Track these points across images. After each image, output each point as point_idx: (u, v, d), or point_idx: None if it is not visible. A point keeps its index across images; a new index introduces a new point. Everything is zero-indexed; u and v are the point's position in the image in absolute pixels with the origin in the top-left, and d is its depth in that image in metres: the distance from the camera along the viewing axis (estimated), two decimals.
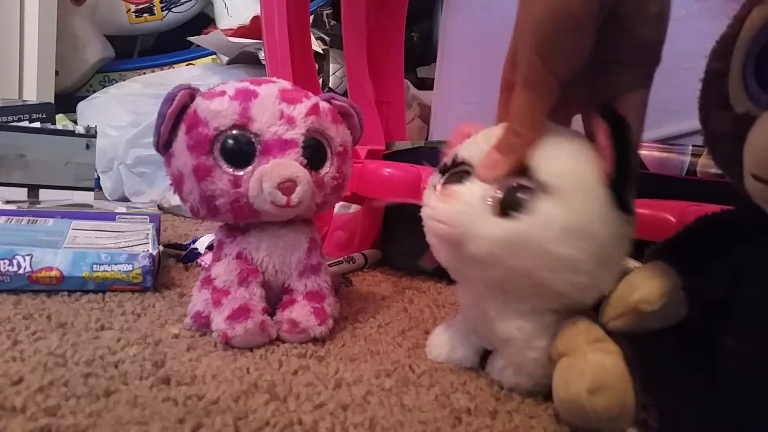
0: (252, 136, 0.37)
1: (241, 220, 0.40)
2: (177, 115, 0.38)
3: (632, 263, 0.45)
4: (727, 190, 0.27)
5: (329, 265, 0.57)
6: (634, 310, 0.29)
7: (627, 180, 0.29)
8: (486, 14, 0.77)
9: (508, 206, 0.29)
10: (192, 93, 0.39)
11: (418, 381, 0.34)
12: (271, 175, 0.36)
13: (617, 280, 0.31)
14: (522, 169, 0.30)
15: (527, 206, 0.29)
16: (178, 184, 0.39)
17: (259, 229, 0.41)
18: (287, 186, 0.37)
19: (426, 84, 1.11)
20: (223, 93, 0.38)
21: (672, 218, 0.40)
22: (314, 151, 0.39)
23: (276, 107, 0.38)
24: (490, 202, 0.30)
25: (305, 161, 0.38)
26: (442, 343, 0.38)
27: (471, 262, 0.31)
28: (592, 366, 0.28)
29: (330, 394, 0.31)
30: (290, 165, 0.37)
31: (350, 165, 0.43)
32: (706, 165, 0.47)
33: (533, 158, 0.30)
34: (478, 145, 0.32)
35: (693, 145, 0.49)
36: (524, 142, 0.30)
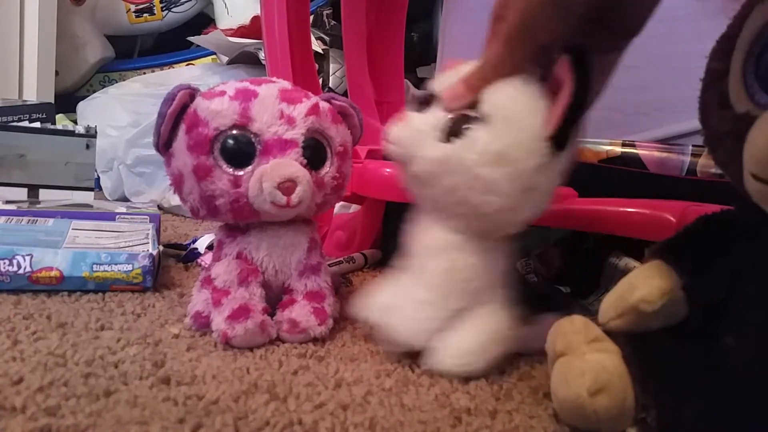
0: (252, 135, 0.37)
1: (241, 220, 0.40)
2: (177, 115, 0.38)
3: (632, 263, 0.45)
4: (727, 190, 0.27)
5: (329, 265, 0.57)
6: (634, 309, 0.29)
7: (574, 116, 0.31)
8: (486, 14, 0.76)
9: (451, 133, 0.33)
10: (192, 93, 0.39)
11: (418, 381, 0.34)
12: (271, 175, 0.36)
13: (541, 210, 0.34)
14: (474, 102, 0.33)
15: (466, 133, 0.32)
16: (178, 184, 0.39)
17: (259, 229, 0.41)
18: (287, 186, 0.37)
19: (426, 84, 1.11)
20: (223, 93, 0.38)
21: (672, 218, 0.40)
22: (314, 151, 0.39)
23: (276, 107, 0.38)
24: (439, 129, 0.33)
25: (305, 161, 0.38)
26: (384, 300, 0.37)
27: (414, 181, 0.35)
28: (592, 366, 0.28)
29: (330, 394, 0.31)
30: (290, 165, 0.37)
31: (350, 165, 0.43)
32: (706, 165, 0.47)
33: (484, 92, 0.33)
34: (451, 78, 0.34)
35: (693, 145, 0.49)
36: (487, 85, 0.33)
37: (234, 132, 0.37)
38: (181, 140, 0.38)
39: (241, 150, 0.37)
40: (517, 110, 0.32)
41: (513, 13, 0.31)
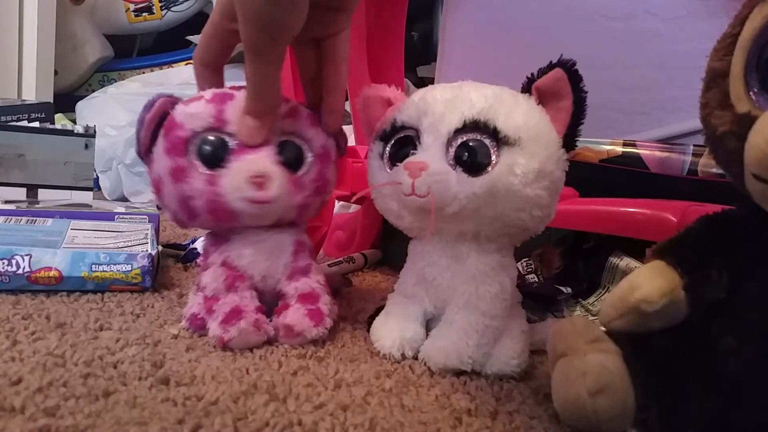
0: (226, 136, 0.37)
1: (220, 223, 0.40)
2: (158, 124, 0.39)
3: (633, 263, 0.45)
4: (728, 190, 0.27)
5: (329, 265, 0.57)
6: (635, 310, 0.29)
7: (578, 125, 0.34)
8: (486, 14, 0.76)
9: (476, 163, 0.33)
10: (174, 101, 0.39)
11: (419, 381, 0.34)
12: (242, 170, 0.36)
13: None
14: (473, 125, 0.33)
15: (494, 159, 0.33)
16: (158, 190, 0.40)
17: (242, 235, 0.40)
18: (260, 181, 0.36)
19: (426, 84, 1.11)
20: (200, 97, 0.39)
21: (673, 218, 0.40)
22: (291, 151, 0.39)
23: None
24: (451, 163, 0.34)
25: (280, 160, 0.38)
26: (389, 331, 0.38)
27: (448, 220, 0.34)
28: (592, 367, 0.28)
29: (330, 395, 0.31)
30: (262, 160, 0.37)
31: (334, 170, 0.43)
32: (707, 165, 0.47)
33: (489, 116, 0.33)
34: (417, 106, 0.36)
35: (694, 145, 0.49)
36: (271, 106, 0.36)
37: (209, 133, 0.37)
38: (159, 145, 0.38)
39: (216, 150, 0.37)
40: (535, 127, 0.34)
41: (250, 28, 0.32)
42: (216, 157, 0.37)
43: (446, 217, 0.34)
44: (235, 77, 0.40)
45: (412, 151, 0.35)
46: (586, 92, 0.34)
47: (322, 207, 0.44)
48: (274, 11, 0.31)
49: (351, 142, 0.67)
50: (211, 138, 0.37)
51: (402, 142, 0.36)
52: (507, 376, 0.36)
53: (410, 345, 0.37)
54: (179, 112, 0.38)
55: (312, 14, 0.33)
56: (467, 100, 0.34)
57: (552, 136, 0.34)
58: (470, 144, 0.33)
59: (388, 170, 0.37)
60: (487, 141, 0.33)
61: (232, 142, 0.37)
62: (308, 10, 0.32)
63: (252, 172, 0.36)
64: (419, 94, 0.37)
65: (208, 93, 0.39)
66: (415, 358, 0.38)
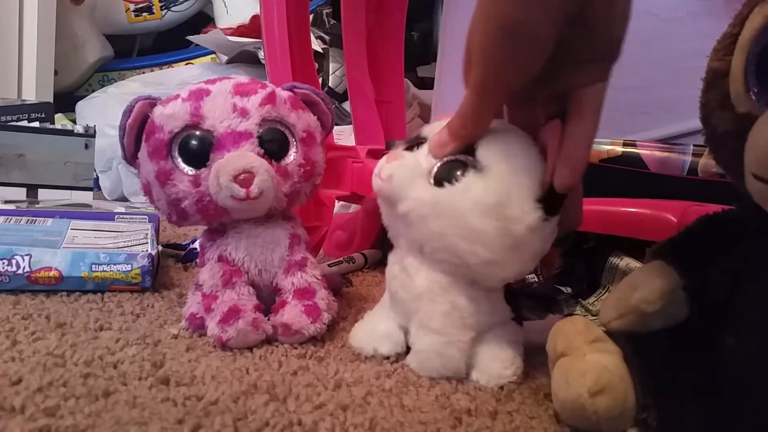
0: (205, 133, 0.37)
1: (211, 220, 0.40)
2: (141, 126, 0.39)
3: (633, 263, 0.44)
4: (728, 190, 0.27)
5: (329, 265, 0.57)
6: (635, 310, 0.29)
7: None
8: None
9: (443, 178, 0.32)
10: (153, 103, 0.39)
11: (418, 381, 0.34)
12: (226, 169, 0.36)
13: (525, 271, 0.34)
14: (466, 148, 0.33)
15: (458, 178, 0.32)
16: (148, 193, 0.40)
17: (236, 229, 0.40)
18: (244, 177, 0.36)
19: (426, 83, 1.11)
20: (177, 96, 0.39)
21: (673, 218, 0.40)
22: (273, 141, 0.39)
23: (228, 102, 0.38)
24: (431, 172, 0.33)
25: (263, 151, 0.38)
26: (360, 330, 0.39)
27: (399, 220, 0.34)
28: (592, 367, 0.28)
29: (330, 395, 0.31)
30: (245, 156, 0.37)
31: (321, 151, 0.42)
32: (708, 164, 0.47)
33: (480, 140, 0.33)
34: (440, 127, 0.34)
35: (694, 145, 0.49)
36: (468, 134, 0.33)
37: (187, 132, 0.38)
38: (143, 149, 0.39)
39: (196, 149, 0.37)
40: (513, 166, 0.32)
41: (480, 61, 0.30)
42: (198, 156, 0.37)
43: (397, 216, 0.34)
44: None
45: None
46: None
47: (314, 191, 0.43)
48: (504, 44, 0.28)
49: (351, 142, 0.68)
50: (191, 137, 0.37)
51: (413, 143, 0.36)
52: (500, 383, 0.35)
53: (382, 343, 0.37)
54: (158, 115, 0.38)
55: (559, 66, 0.30)
56: None
57: (528, 182, 0.31)
58: (452, 161, 0.33)
59: None
60: (463, 159, 0.33)
61: (211, 138, 0.37)
62: (558, 64, 0.29)
63: (236, 170, 0.36)
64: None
65: (185, 91, 0.39)
66: (396, 360, 0.37)
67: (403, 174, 0.33)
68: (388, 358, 0.37)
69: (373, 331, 0.38)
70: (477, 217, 0.31)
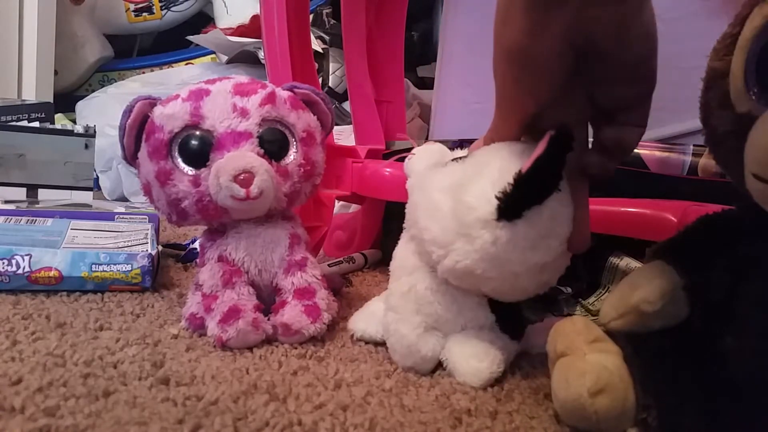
0: (205, 133, 0.38)
1: (211, 220, 0.40)
2: (141, 126, 0.39)
3: (633, 263, 0.44)
4: (728, 190, 0.27)
5: (329, 265, 0.57)
6: (635, 310, 0.29)
7: (532, 187, 0.29)
8: (486, 14, 0.76)
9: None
10: (153, 103, 0.39)
11: (418, 381, 0.34)
12: (226, 169, 0.36)
13: (499, 284, 0.33)
14: None
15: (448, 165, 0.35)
16: (148, 193, 0.40)
17: (236, 229, 0.40)
18: (244, 177, 0.36)
19: (426, 83, 1.11)
20: (177, 96, 0.39)
21: (673, 218, 0.40)
22: (273, 141, 0.39)
23: (228, 102, 0.38)
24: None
25: (262, 151, 0.38)
26: (360, 316, 0.41)
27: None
28: (592, 367, 0.28)
29: (330, 395, 0.31)
30: (245, 156, 0.37)
31: (321, 151, 0.42)
32: (708, 164, 0.47)
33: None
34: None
35: (694, 145, 0.49)
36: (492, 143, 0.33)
37: (187, 132, 0.38)
38: (143, 149, 0.39)
39: (196, 149, 0.37)
40: (488, 161, 0.32)
41: (495, 81, 0.31)
42: (198, 156, 0.37)
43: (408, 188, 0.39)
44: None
45: None
46: (561, 161, 0.29)
47: (314, 191, 0.43)
48: (515, 61, 0.29)
49: (351, 142, 0.67)
50: (191, 137, 0.37)
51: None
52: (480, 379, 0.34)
53: (370, 323, 0.39)
54: (158, 114, 0.38)
55: (593, 82, 0.30)
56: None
57: (496, 179, 0.31)
58: (456, 158, 0.36)
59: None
60: (463, 156, 0.36)
61: (211, 138, 0.37)
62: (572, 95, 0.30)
63: (236, 170, 0.36)
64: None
65: (184, 91, 0.39)
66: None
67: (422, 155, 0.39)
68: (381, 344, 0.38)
69: (365, 311, 0.40)
70: (438, 192, 0.33)
